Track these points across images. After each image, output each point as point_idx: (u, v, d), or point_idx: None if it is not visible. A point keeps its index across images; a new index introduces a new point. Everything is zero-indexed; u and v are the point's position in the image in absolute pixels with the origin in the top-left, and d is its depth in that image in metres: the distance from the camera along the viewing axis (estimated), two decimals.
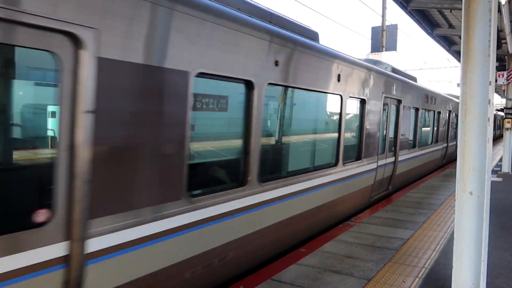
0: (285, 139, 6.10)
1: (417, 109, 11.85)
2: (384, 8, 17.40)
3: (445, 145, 16.69)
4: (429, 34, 15.09)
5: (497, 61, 16.25)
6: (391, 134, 9.76)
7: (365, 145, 7.96)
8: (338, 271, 4.88)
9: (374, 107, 8.33)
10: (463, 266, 3.92)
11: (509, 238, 6.45)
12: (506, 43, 13.89)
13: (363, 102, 7.82)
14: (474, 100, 3.79)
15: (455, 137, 18.23)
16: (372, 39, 16.82)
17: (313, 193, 6.11)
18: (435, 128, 14.72)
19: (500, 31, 12.45)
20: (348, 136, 7.47)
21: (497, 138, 36.54)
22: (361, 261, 5.25)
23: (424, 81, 40.52)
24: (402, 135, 10.43)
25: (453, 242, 4.00)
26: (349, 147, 7.53)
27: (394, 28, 16.54)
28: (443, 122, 15.73)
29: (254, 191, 4.75)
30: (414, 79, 12.44)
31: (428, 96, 13.00)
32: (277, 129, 5.98)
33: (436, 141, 14.99)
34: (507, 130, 15.62)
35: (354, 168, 7.54)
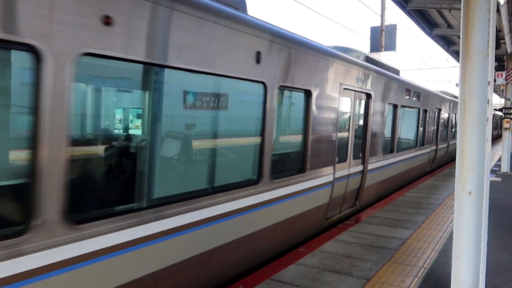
0: (149, 146, 3.85)
1: (395, 106, 9.98)
2: (383, 8, 17.41)
3: (434, 148, 14.93)
4: (428, 34, 15.14)
5: (496, 61, 16.28)
6: (356, 136, 7.84)
7: (311, 152, 5.99)
8: (337, 271, 4.88)
9: (326, 101, 6.36)
10: (462, 265, 3.92)
11: (508, 238, 6.46)
12: (504, 43, 13.93)
13: (307, 94, 5.87)
14: (473, 100, 3.80)
15: (446, 139, 17.01)
16: (371, 39, 16.82)
17: (209, 227, 4.14)
18: (421, 129, 12.86)
19: (498, 31, 12.47)
20: (282, 141, 5.74)
21: (496, 138, 36.58)
22: (360, 260, 5.25)
23: (423, 81, 40.61)
24: (373, 137, 8.52)
25: (452, 242, 4.01)
26: (285, 156, 5.85)
27: (393, 28, 16.54)
28: (431, 121, 13.95)
29: (55, 241, 2.79)
30: (396, 71, 10.71)
31: (411, 91, 11.13)
32: (131, 132, 4.08)
33: (422, 144, 13.10)
34: (505, 130, 15.65)
35: (294, 184, 5.65)
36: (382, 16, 16.91)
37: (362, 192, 8.21)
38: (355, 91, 7.53)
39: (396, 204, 8.75)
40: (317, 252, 5.50)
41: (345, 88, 6.96)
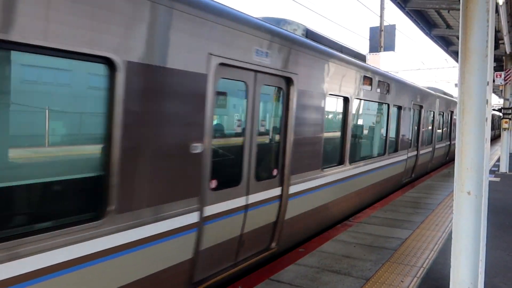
0: None
1: (346, 99, 7.20)
2: (382, 8, 17.42)
3: (414, 153, 12.18)
4: (427, 34, 15.18)
5: (494, 61, 16.34)
6: (262, 145, 5.15)
7: (124, 179, 3.25)
8: (337, 271, 4.89)
9: (168, 84, 3.59)
10: (461, 265, 3.93)
11: (507, 238, 6.47)
12: (503, 43, 13.97)
13: (110, 68, 3.13)
14: (471, 100, 3.81)
15: (431, 142, 14.43)
16: (370, 39, 16.83)
17: None
18: (393, 131, 10.19)
19: (497, 31, 12.52)
20: (31, 159, 2.98)
21: (495, 138, 36.64)
22: (360, 261, 5.26)
23: (422, 81, 40.60)
24: (299, 145, 5.71)
25: (451, 242, 4.01)
26: (41, 190, 3.00)
27: (392, 28, 16.55)
28: (409, 121, 11.33)
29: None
30: (359, 56, 8.10)
31: (373, 81, 8.17)
32: None
33: (395, 150, 10.37)
34: (504, 130, 15.68)
35: (61, 247, 2.83)
36: (381, 16, 16.91)
37: (281, 228, 5.55)
38: (254, 70, 4.78)
39: (395, 204, 8.76)
40: (316, 252, 5.51)
41: (223, 64, 4.24)
